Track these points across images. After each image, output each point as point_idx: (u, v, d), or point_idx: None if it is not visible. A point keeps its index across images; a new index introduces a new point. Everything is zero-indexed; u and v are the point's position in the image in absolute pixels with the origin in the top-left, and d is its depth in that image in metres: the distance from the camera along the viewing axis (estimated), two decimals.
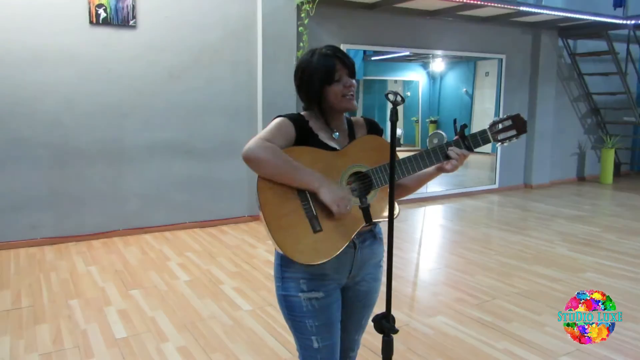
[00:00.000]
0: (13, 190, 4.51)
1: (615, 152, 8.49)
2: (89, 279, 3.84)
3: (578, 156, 8.52)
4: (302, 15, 5.28)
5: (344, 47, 5.94)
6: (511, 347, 2.79)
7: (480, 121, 9.51)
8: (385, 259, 1.66)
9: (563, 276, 3.92)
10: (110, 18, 4.66)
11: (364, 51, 9.33)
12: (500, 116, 1.65)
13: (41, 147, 4.56)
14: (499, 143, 1.62)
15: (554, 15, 6.58)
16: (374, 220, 1.56)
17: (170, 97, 5.00)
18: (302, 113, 1.64)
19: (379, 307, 1.60)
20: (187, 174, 5.19)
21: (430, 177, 1.67)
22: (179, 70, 4.98)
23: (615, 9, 7.45)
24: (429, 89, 11.32)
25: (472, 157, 1.67)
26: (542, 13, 6.48)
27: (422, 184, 1.70)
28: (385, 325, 1.45)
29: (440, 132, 10.79)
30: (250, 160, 1.47)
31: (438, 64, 10.60)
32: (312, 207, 1.50)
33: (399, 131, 13.01)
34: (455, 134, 1.61)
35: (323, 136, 1.61)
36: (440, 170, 1.61)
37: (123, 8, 4.69)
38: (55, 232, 4.70)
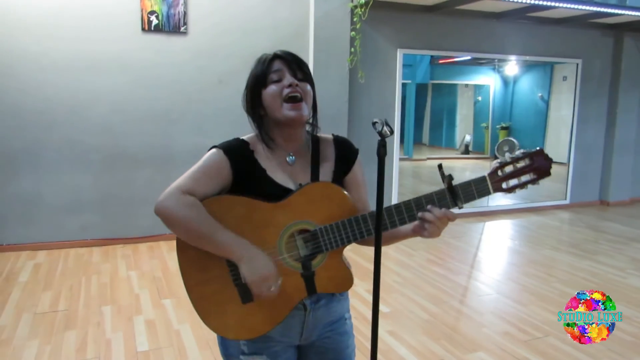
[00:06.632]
0: (67, 192, 4.67)
1: None
2: (127, 285, 3.86)
3: None
4: (355, 19, 5.08)
5: (400, 52, 5.68)
6: None
7: (556, 129, 8.87)
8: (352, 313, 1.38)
9: (634, 314, 3.45)
10: (161, 25, 4.70)
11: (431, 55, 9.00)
12: (514, 154, 1.26)
13: (93, 151, 4.68)
14: (506, 192, 1.26)
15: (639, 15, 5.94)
16: (319, 292, 1.31)
17: (219, 103, 4.97)
18: (247, 138, 1.35)
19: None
20: None
21: (404, 237, 1.35)
22: (229, 75, 4.95)
23: None
24: (502, 94, 10.73)
25: None
26: (625, 14, 5.86)
27: (393, 242, 1.38)
28: None
29: (512, 139, 10.19)
30: (161, 217, 1.23)
31: (511, 67, 10.00)
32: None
33: (467, 137, 12.43)
34: (443, 182, 1.25)
35: (274, 169, 1.32)
36: (417, 234, 1.30)
37: (174, 15, 4.72)
38: (104, 234, 4.82)
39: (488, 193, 1.26)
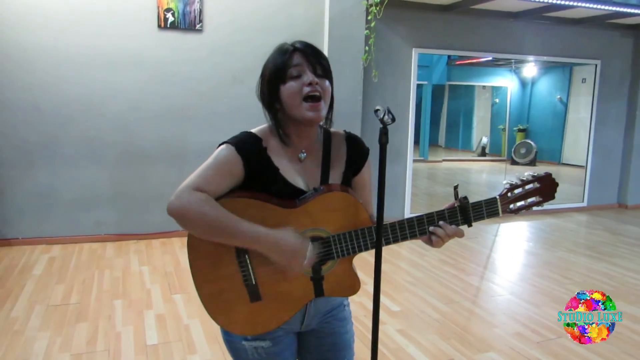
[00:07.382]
0: (82, 187, 4.72)
1: None
2: (138, 279, 3.89)
3: None
4: (369, 17, 5.06)
5: (415, 51, 5.64)
6: None
7: (575, 131, 8.75)
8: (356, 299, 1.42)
9: None
10: (177, 22, 4.73)
11: (448, 55, 8.91)
12: (524, 177, 1.32)
13: (108, 147, 4.73)
14: (513, 214, 1.32)
15: None
16: (326, 296, 1.33)
17: (234, 101, 4.99)
18: (258, 132, 1.32)
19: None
20: None
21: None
22: (243, 73, 4.96)
23: None
24: (519, 96, 10.61)
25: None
26: None
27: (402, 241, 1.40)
28: None
29: (529, 141, 10.07)
30: (175, 217, 1.20)
31: (529, 69, 9.88)
32: (252, 274, 1.27)
33: (484, 139, 12.29)
34: (455, 199, 1.30)
35: (286, 166, 1.30)
36: (423, 240, 1.34)
37: (190, 12, 4.75)
38: (118, 230, 4.86)
39: (497, 214, 1.31)
